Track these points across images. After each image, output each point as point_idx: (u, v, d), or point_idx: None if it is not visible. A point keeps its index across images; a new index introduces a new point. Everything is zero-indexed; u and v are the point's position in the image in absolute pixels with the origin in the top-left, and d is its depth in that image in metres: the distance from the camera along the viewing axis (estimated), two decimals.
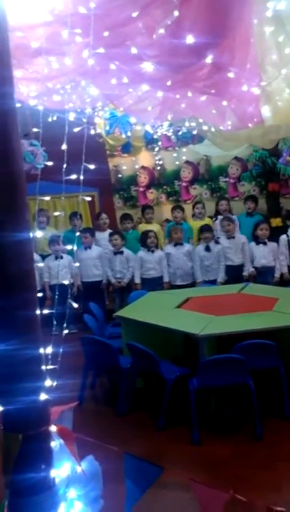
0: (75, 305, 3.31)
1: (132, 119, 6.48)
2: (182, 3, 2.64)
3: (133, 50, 3.03)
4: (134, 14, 2.68)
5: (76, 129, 3.56)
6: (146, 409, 5.12)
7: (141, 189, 10.44)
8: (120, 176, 10.34)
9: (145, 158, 10.14)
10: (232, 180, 9.87)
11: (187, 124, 6.06)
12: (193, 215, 9.02)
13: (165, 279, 7.65)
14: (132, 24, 2.78)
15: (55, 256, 7.69)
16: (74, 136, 3.28)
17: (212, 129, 6.04)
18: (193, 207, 9.12)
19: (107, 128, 6.94)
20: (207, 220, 8.77)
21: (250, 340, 4.71)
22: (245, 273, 7.53)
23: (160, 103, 4.40)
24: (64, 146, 3.01)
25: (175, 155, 10.01)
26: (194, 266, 7.62)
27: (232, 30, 2.96)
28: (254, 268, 7.55)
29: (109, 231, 8.31)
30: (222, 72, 3.44)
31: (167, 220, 9.68)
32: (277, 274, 7.43)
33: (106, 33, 2.74)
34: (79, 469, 2.34)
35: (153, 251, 7.65)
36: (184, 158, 10.00)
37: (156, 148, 9.82)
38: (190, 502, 3.23)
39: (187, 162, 10.10)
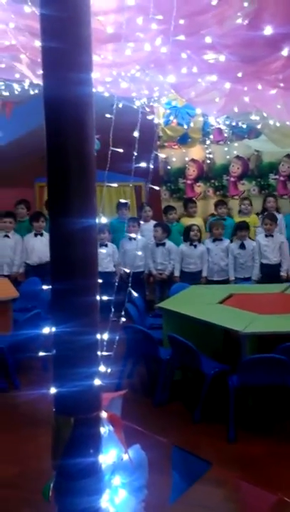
0: (135, 294, 3.34)
1: (193, 111, 6.43)
2: None
3: (208, 40, 3.00)
4: (214, 2, 2.64)
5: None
6: (183, 402, 5.12)
7: (189, 182, 10.36)
8: (169, 167, 10.29)
9: (195, 151, 10.05)
10: (282, 178, 9.69)
11: (249, 117, 5.95)
12: (240, 211, 8.93)
13: (204, 273, 7.62)
14: (210, 13, 2.74)
15: (100, 244, 7.74)
16: (125, 125, 3.26)
17: (274, 124, 5.91)
18: (240, 203, 9.02)
19: (163, 119, 6.92)
20: (253, 217, 8.67)
21: None
22: (283, 273, 7.42)
23: (225, 95, 4.34)
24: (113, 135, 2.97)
25: (226, 149, 9.88)
26: (228, 263, 7.56)
27: None
28: None
29: (153, 222, 8.31)
30: None
31: (212, 215, 9.59)
32: None
33: (182, 21, 2.71)
34: (125, 457, 2.35)
35: (195, 245, 7.61)
36: (235, 152, 9.86)
37: (207, 142, 9.72)
38: (228, 499, 3.24)
39: (237, 157, 9.95)
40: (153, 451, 2.61)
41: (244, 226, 7.68)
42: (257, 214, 8.84)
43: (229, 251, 7.59)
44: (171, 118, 6.95)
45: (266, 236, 7.54)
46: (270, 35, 2.81)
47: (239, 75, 3.60)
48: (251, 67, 3.41)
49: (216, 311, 5.57)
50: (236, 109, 4.91)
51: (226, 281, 7.53)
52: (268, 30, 2.81)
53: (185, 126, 7.19)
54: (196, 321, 5.26)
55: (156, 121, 6.52)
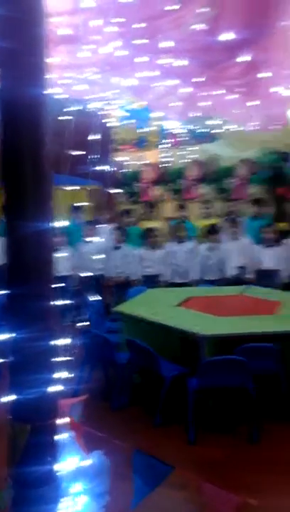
0: (98, 297, 3.30)
1: (151, 114, 6.44)
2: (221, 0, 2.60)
3: (167, 44, 3.00)
4: (172, 7, 2.64)
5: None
6: (142, 406, 5.11)
7: (145, 185, 10.39)
8: (125, 170, 10.29)
9: (151, 155, 10.09)
10: (239, 182, 9.83)
11: (207, 122, 6.01)
12: (199, 215, 8.99)
13: (164, 277, 7.63)
14: (169, 17, 2.74)
15: (56, 248, 7.63)
16: (81, 127, 3.23)
17: (230, 129, 5.99)
18: (200, 206, 9.09)
19: (120, 122, 6.90)
20: (213, 220, 8.74)
21: (253, 343, 4.70)
22: (247, 275, 7.51)
23: (185, 99, 4.36)
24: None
25: (182, 153, 9.96)
26: (194, 264, 7.60)
27: (270, 29, 2.92)
28: (260, 270, 7.52)
29: (110, 226, 8.27)
30: (255, 71, 3.41)
31: (170, 218, 9.64)
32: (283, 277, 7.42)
33: (141, 25, 2.70)
34: (86, 463, 2.31)
35: (154, 248, 7.62)
36: (191, 156, 9.94)
37: (163, 145, 9.77)
38: (190, 502, 3.23)
39: (194, 161, 10.04)
40: (115, 456, 2.58)
41: (213, 228, 7.74)
42: (218, 217, 8.91)
43: (197, 252, 7.63)
44: (128, 121, 6.94)
45: (233, 240, 7.62)
46: (229, 41, 2.85)
47: (199, 79, 3.63)
48: (210, 72, 3.44)
49: (174, 314, 5.58)
50: (195, 113, 4.95)
51: (189, 284, 7.56)
52: (228, 36, 2.84)
53: (144, 130, 7.20)
54: (154, 325, 5.25)
55: (112, 124, 6.51)
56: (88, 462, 2.36)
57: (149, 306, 5.89)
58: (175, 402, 4.80)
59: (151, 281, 7.50)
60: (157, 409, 4.74)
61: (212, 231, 7.69)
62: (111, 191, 4.43)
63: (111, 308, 6.68)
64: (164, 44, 3.17)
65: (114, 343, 5.36)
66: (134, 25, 2.75)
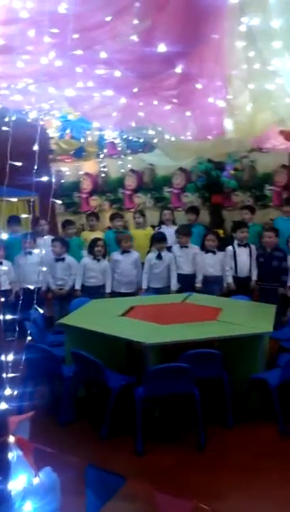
0: (41, 310, 3.23)
1: (88, 124, 6.43)
2: (156, 11, 2.64)
3: (103, 55, 3.01)
4: (107, 18, 2.66)
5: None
6: (88, 419, 5.05)
7: (84, 195, 10.36)
8: (63, 181, 10.21)
9: (89, 165, 10.08)
10: (175, 191, 9.98)
11: (144, 132, 6.07)
12: (134, 224, 9.03)
13: (108, 289, 7.59)
14: (104, 28, 2.76)
15: None
16: (17, 138, 3.18)
17: (169, 138, 6.07)
18: (133, 216, 9.12)
19: (58, 132, 6.85)
20: (149, 229, 8.79)
21: (196, 350, 4.76)
22: (198, 284, 7.59)
23: (121, 110, 4.38)
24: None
25: (120, 163, 10.01)
26: (143, 273, 7.61)
27: (203, 42, 3.00)
28: (204, 277, 7.62)
29: (50, 237, 8.16)
30: (189, 82, 3.47)
31: (109, 228, 9.65)
32: (225, 284, 7.55)
33: (75, 36, 2.70)
34: (36, 481, 2.25)
35: (98, 259, 7.58)
36: (129, 166, 10.01)
37: (101, 155, 9.78)
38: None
39: (131, 170, 10.12)
40: (65, 471, 2.53)
41: (161, 237, 7.76)
42: (153, 227, 8.99)
43: (145, 261, 7.63)
44: (67, 132, 6.90)
45: (181, 247, 7.68)
46: (164, 53, 2.89)
47: (135, 90, 3.67)
48: (146, 83, 3.48)
49: (119, 324, 5.57)
50: (133, 124, 4.99)
51: (134, 294, 7.55)
52: (162, 48, 2.89)
53: (82, 140, 7.18)
54: (99, 336, 5.22)
55: (50, 134, 6.45)
56: (38, 479, 2.30)
57: (93, 317, 5.85)
58: (121, 413, 4.78)
59: (95, 292, 7.45)
60: (103, 421, 4.70)
61: (157, 239, 7.73)
62: (50, 202, 4.37)
63: (54, 320, 6.58)
64: (99, 55, 3.19)
65: (59, 357, 5.28)
66: (69, 36, 2.74)
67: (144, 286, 7.57)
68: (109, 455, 4.40)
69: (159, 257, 7.58)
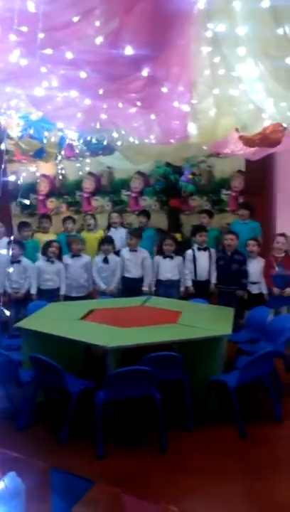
0: (7, 312, 3.16)
1: (50, 125, 6.34)
2: (123, 13, 2.64)
3: (69, 56, 2.98)
4: (75, 19, 2.64)
5: None
6: (48, 424, 4.98)
7: (41, 197, 10.23)
8: (19, 182, 10.03)
9: (46, 167, 9.96)
10: (134, 194, 9.99)
11: (107, 134, 6.04)
12: (85, 227, 8.99)
13: (62, 291, 7.52)
14: (71, 29, 2.73)
15: None
16: None
17: (130, 141, 6.05)
18: (83, 219, 9.07)
19: (20, 133, 6.72)
20: (100, 233, 8.75)
21: (157, 353, 4.76)
22: (145, 288, 7.60)
23: (85, 111, 4.34)
24: None
25: (78, 165, 9.94)
26: (94, 275, 7.57)
27: (169, 46, 3.01)
28: (159, 281, 7.65)
29: (5, 239, 8.01)
30: (155, 85, 3.48)
31: (64, 230, 9.55)
32: (182, 288, 7.60)
33: (42, 35, 2.66)
34: (0, 486, 2.19)
35: (53, 261, 7.49)
36: (87, 168, 9.96)
37: (59, 157, 9.68)
38: None
39: (89, 173, 10.07)
40: (30, 476, 2.48)
41: (108, 240, 7.73)
42: (103, 230, 8.95)
43: (93, 264, 7.58)
44: (28, 132, 6.78)
45: (130, 251, 7.67)
46: (131, 55, 2.89)
47: (100, 91, 3.65)
48: (112, 85, 3.47)
49: (78, 328, 5.51)
50: (94, 126, 4.96)
51: (85, 297, 7.50)
52: (128, 50, 2.88)
53: (45, 141, 7.07)
54: (57, 340, 5.15)
55: (8, 134, 6.32)
56: (1, 486, 2.24)
57: (52, 321, 5.77)
58: (81, 417, 4.74)
59: (52, 295, 7.36)
60: (63, 426, 4.64)
61: (104, 242, 7.71)
62: (26, 202, 4.30)
63: (10, 324, 6.45)
64: (65, 55, 3.15)
65: (17, 361, 5.18)
66: (35, 35, 2.70)
67: (102, 287, 7.53)
68: (70, 459, 4.35)
69: (106, 260, 7.57)
